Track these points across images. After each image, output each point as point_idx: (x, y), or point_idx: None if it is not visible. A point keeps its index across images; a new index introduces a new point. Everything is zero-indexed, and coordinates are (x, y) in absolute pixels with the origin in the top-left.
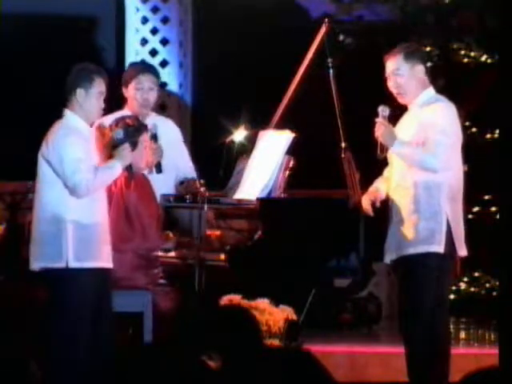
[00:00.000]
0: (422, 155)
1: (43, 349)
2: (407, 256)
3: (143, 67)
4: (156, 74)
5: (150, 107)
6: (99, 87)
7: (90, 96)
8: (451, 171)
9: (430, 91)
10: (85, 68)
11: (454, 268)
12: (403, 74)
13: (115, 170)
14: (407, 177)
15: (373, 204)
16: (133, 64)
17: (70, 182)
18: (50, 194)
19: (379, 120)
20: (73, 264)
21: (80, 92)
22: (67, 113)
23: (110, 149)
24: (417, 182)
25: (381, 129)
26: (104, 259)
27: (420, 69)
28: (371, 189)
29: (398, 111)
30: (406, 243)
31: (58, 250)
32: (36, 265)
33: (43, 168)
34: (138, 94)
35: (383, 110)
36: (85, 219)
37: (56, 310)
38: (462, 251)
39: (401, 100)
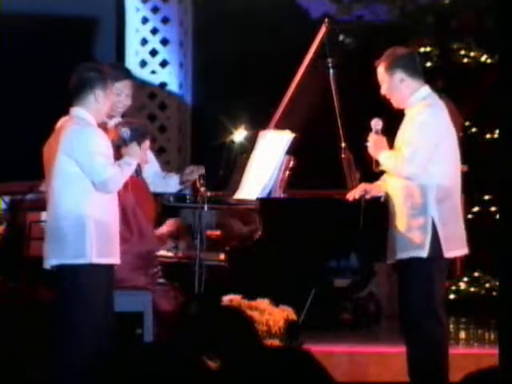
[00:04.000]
0: (397, 165)
1: (51, 346)
2: (398, 261)
3: (124, 72)
4: (134, 79)
5: (121, 113)
6: (111, 87)
7: (106, 96)
8: (437, 172)
9: (420, 93)
10: (100, 68)
11: (450, 267)
12: (385, 83)
13: (132, 166)
14: (395, 182)
15: (363, 195)
16: (112, 65)
17: (101, 178)
18: (71, 191)
19: (371, 134)
20: (95, 260)
21: (98, 92)
22: (80, 111)
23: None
24: (402, 186)
25: (370, 142)
26: (118, 255)
27: (401, 76)
28: (376, 182)
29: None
30: (396, 248)
31: (81, 247)
32: (54, 261)
33: (64, 165)
34: (115, 98)
35: (376, 124)
36: (103, 216)
37: (75, 303)
38: (454, 252)
39: (394, 104)
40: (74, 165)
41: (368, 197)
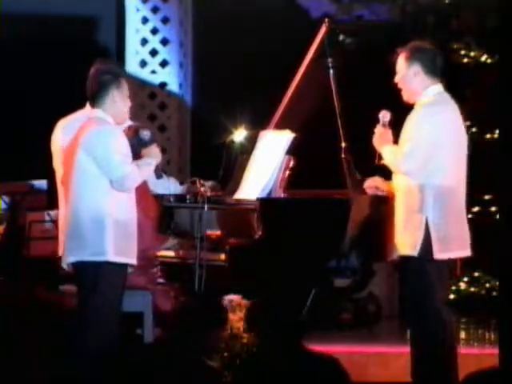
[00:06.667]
0: (396, 161)
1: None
2: (398, 258)
3: (122, 70)
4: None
5: None
6: (127, 87)
7: (123, 96)
8: (437, 171)
9: (431, 91)
10: (116, 70)
11: (450, 269)
12: (401, 72)
13: (152, 167)
14: (398, 180)
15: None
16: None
17: (117, 175)
18: (90, 190)
19: (378, 126)
20: (112, 258)
21: (114, 93)
22: (100, 113)
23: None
24: (403, 185)
25: (376, 134)
26: (135, 256)
27: (417, 69)
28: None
29: (404, 111)
30: (395, 246)
31: (100, 244)
32: (73, 258)
33: (85, 163)
34: None
35: (384, 116)
36: (122, 215)
37: (94, 300)
38: (448, 254)
39: (403, 97)
40: (93, 163)
41: (380, 193)
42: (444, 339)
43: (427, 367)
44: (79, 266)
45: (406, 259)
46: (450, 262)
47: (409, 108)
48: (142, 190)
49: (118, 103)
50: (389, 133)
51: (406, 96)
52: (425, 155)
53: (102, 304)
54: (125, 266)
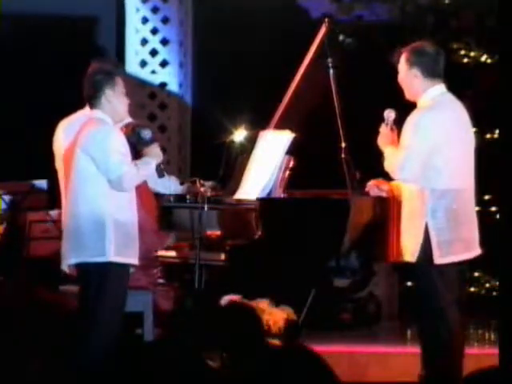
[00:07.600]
0: (393, 168)
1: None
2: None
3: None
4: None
5: None
6: (122, 85)
7: (118, 95)
8: (437, 176)
9: (430, 93)
10: (108, 69)
11: (459, 270)
12: (402, 72)
13: (152, 166)
14: (401, 184)
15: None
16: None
17: (115, 174)
18: (91, 190)
19: (382, 126)
20: (113, 258)
21: (108, 93)
22: (98, 113)
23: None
24: (404, 190)
25: (380, 134)
26: (136, 256)
27: (416, 73)
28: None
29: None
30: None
31: (100, 245)
32: (73, 260)
33: (83, 163)
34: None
35: (388, 115)
36: (122, 216)
37: (97, 301)
38: (450, 257)
39: (406, 95)
40: (92, 163)
41: (381, 194)
42: (448, 339)
43: (432, 367)
44: (83, 267)
45: (409, 264)
46: (458, 264)
47: (410, 107)
48: (143, 190)
49: (113, 103)
50: (393, 133)
51: (408, 95)
52: (419, 161)
53: (106, 304)
54: (127, 266)
